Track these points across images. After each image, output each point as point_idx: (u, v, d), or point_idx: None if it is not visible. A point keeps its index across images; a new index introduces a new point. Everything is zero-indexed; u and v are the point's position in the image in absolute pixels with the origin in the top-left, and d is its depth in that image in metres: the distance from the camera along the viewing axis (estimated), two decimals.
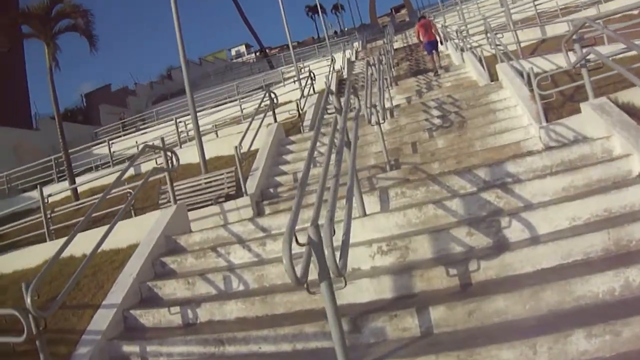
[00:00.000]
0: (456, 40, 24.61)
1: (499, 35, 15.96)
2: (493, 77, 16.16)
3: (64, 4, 24.19)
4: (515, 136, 10.92)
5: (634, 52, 8.27)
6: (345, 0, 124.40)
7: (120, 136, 32.74)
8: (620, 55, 8.40)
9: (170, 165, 10.37)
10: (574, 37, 8.15)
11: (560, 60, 13.78)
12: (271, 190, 12.49)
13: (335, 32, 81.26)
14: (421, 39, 22.28)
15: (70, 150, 24.46)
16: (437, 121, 12.73)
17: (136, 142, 25.29)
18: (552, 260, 5.22)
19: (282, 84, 31.71)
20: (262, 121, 15.22)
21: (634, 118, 6.74)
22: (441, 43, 22.98)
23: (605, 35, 12.64)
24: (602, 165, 6.18)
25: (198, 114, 28.92)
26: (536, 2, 25.31)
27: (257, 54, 71.43)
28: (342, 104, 6.72)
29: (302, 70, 33.80)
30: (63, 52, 25.60)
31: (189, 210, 12.41)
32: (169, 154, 10.44)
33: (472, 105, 13.18)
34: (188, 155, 16.68)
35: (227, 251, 7.84)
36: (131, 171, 18.76)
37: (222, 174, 13.39)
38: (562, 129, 9.95)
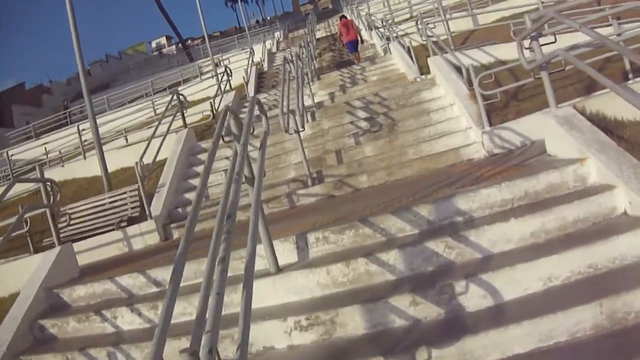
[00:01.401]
0: (381, 29, 23.18)
1: (430, 25, 14.51)
2: (422, 69, 14.82)
3: None
4: (453, 141, 9.63)
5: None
6: None
7: (31, 137, 30.13)
8: (579, 51, 7.02)
9: (51, 200, 8.51)
10: (533, 33, 6.72)
11: (500, 53, 12.50)
12: (180, 210, 10.92)
13: (257, 22, 79.39)
14: (343, 38, 21.99)
15: None
16: (363, 124, 11.27)
17: (45, 149, 22.87)
18: (527, 343, 3.74)
19: (198, 79, 29.71)
20: (169, 126, 13.51)
21: (610, 135, 5.31)
22: (361, 42, 22.59)
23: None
24: (579, 201, 4.65)
25: (112, 115, 27.33)
26: None
27: (178, 46, 68.90)
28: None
29: (221, 63, 32.00)
30: None
31: (89, 236, 10.78)
32: (48, 185, 8.55)
33: (403, 105, 11.76)
34: (94, 167, 14.62)
35: (113, 314, 6.13)
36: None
37: (125, 193, 11.66)
38: (509, 134, 8.69)
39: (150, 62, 61.70)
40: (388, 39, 20.84)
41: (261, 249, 5.15)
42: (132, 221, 10.84)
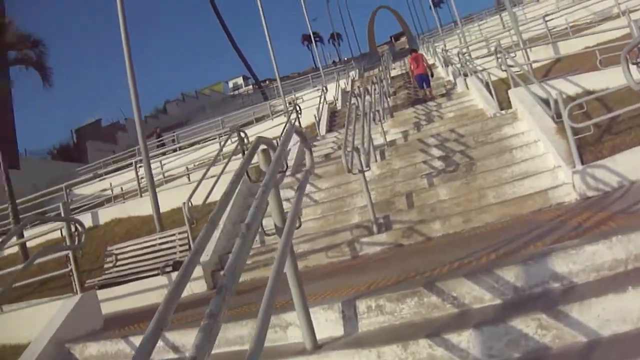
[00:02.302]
0: (458, 65, 22.07)
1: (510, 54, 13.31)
2: (502, 104, 13.65)
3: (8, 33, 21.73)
4: (540, 183, 8.44)
5: None
6: (343, 30, 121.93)
7: (104, 173, 29.80)
8: None
9: (75, 241, 7.69)
10: None
11: (587, 82, 11.21)
12: None
13: (334, 62, 79.17)
14: (414, 73, 21.56)
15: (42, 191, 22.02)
16: (438, 164, 10.18)
17: (110, 184, 22.49)
18: None
19: (270, 117, 29.07)
20: (226, 164, 12.72)
21: None
22: (431, 76, 21.79)
23: None
24: None
25: (179, 152, 26.95)
26: (546, 18, 22.79)
27: (254, 86, 69.11)
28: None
29: (293, 102, 31.43)
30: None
31: (133, 279, 10.01)
32: (72, 225, 7.74)
33: (482, 141, 10.60)
34: (149, 205, 13.96)
35: None
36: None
37: (174, 235, 10.86)
38: (604, 174, 7.51)
39: (227, 102, 62.01)
40: (465, 74, 19.75)
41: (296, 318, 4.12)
42: (179, 266, 9.97)
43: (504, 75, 17.49)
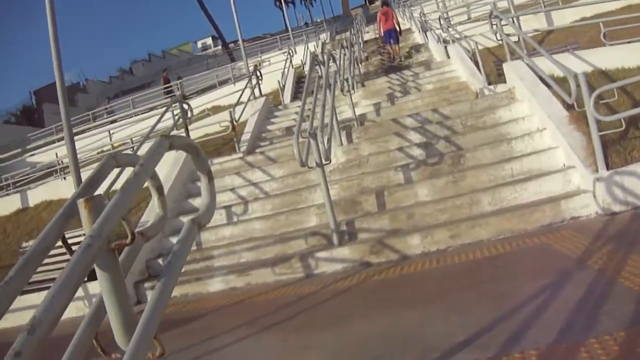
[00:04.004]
0: (438, 31, 20.01)
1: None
2: (490, 77, 11.71)
3: None
4: (548, 187, 6.60)
5: None
6: None
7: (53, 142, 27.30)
8: None
9: None
10: None
11: (598, 59, 9.28)
12: (161, 261, 8.01)
13: (306, 24, 76.15)
14: (380, 27, 20.91)
15: None
16: (417, 152, 8.23)
17: (56, 155, 20.13)
18: None
19: (231, 82, 26.73)
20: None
21: None
22: (400, 34, 21.20)
23: None
24: None
25: (130, 120, 24.65)
26: None
27: (222, 47, 66.38)
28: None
29: (260, 65, 29.14)
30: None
31: (40, 288, 8.06)
32: None
33: (471, 126, 8.66)
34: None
35: None
36: None
37: None
38: (637, 183, 5.64)
39: (193, 63, 59.33)
40: (445, 40, 17.75)
41: None
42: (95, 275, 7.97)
43: (491, 44, 15.59)
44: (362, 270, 6.18)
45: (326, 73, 9.58)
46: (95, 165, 15.05)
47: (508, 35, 10.37)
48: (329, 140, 7.32)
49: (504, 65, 9.93)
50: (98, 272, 2.46)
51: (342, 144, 9.20)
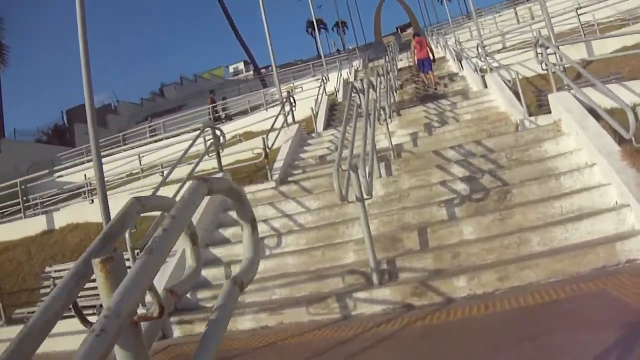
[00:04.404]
0: (475, 59, 19.67)
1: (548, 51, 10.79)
2: (530, 109, 11.35)
3: None
4: (601, 227, 6.21)
5: None
6: (349, 18, 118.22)
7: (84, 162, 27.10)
8: None
9: None
10: None
11: None
12: (189, 297, 7.71)
13: (338, 51, 76.30)
14: (415, 57, 21.27)
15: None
16: (460, 187, 7.88)
17: (85, 176, 20.02)
18: None
19: (263, 108, 26.54)
20: (193, 168, 10.42)
21: None
22: (434, 61, 21.50)
23: None
24: None
25: (162, 142, 24.51)
26: (579, 12, 20.46)
27: (254, 72, 66.54)
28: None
29: (293, 91, 28.95)
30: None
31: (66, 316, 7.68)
32: None
33: (517, 160, 8.29)
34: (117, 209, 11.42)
35: None
36: None
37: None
38: None
39: (225, 87, 59.49)
40: (482, 70, 17.41)
41: None
42: None
43: (530, 74, 15.25)
44: (404, 313, 5.80)
45: (367, 102, 9.29)
46: (122, 190, 14.94)
47: (554, 65, 10.01)
48: (371, 174, 6.99)
49: (550, 97, 9.55)
50: (116, 349, 2.04)
51: (380, 177, 8.89)
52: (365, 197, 6.42)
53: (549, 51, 9.93)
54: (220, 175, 10.53)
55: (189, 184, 2.54)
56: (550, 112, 9.79)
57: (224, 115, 30.32)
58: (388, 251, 6.93)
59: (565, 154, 7.84)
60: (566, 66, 11.45)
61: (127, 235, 7.27)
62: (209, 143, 11.69)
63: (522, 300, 5.22)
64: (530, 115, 10.99)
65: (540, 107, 12.31)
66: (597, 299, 4.78)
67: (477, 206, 7.30)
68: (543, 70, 10.44)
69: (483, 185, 7.71)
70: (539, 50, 9.78)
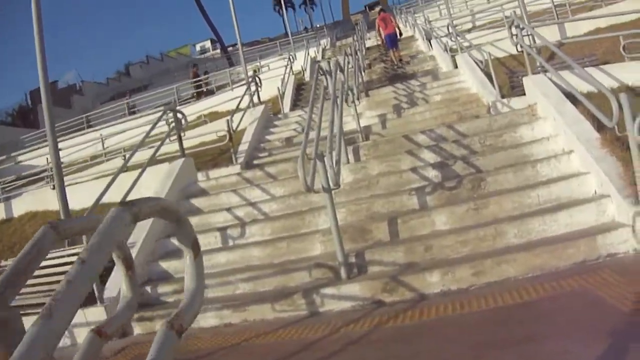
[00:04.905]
0: (444, 39, 19.31)
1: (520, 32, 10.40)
2: (502, 90, 11.06)
3: None
4: (580, 218, 5.92)
5: None
6: None
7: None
8: None
9: None
10: None
11: (625, 76, 8.67)
12: (148, 288, 7.34)
13: (306, 29, 75.58)
14: (381, 32, 21.04)
15: None
16: (432, 173, 7.53)
17: (47, 160, 19.23)
18: None
19: (229, 87, 25.88)
20: (155, 151, 9.93)
21: None
22: (400, 35, 21.33)
23: None
24: None
25: (120, 125, 23.91)
26: None
27: (221, 50, 65.51)
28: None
29: (259, 70, 28.40)
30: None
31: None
32: None
33: (491, 145, 7.95)
34: (73, 196, 10.79)
35: None
36: None
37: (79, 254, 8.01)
38: None
39: (191, 66, 58.59)
40: (452, 50, 17.09)
41: None
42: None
43: (501, 54, 14.99)
44: (374, 310, 5.45)
45: (333, 84, 8.85)
46: (84, 175, 14.37)
47: (529, 45, 9.66)
48: (338, 162, 6.59)
49: (525, 79, 9.23)
50: None
51: (348, 162, 8.50)
52: (332, 187, 6.04)
53: (525, 32, 9.56)
54: (181, 160, 10.02)
55: (111, 210, 1.90)
56: (523, 94, 9.53)
57: (205, 90, 29.51)
58: (356, 242, 6.58)
59: (541, 139, 7.53)
60: (539, 48, 11.17)
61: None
62: (172, 125, 11.20)
63: (499, 298, 4.91)
64: (503, 97, 10.71)
65: (512, 88, 12.02)
66: (579, 299, 4.47)
67: (450, 194, 6.96)
68: (518, 51, 10.10)
69: (456, 172, 7.37)
70: (514, 31, 9.40)
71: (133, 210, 1.99)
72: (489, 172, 7.09)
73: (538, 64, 9.36)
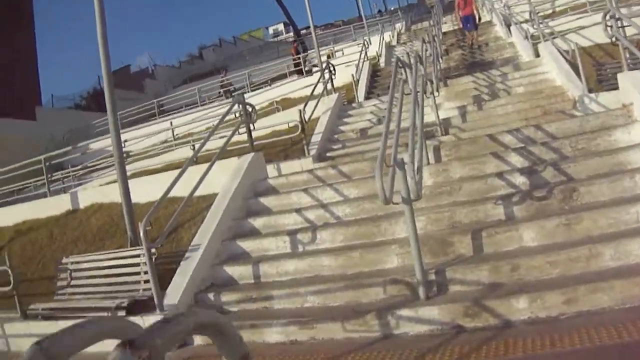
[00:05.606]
0: (525, 25, 18.52)
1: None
2: (589, 83, 10.41)
3: None
4: None
5: None
6: None
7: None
8: None
9: None
10: None
11: None
12: (211, 295, 7.06)
13: (380, 12, 74.63)
14: (459, 13, 20.72)
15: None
16: (519, 180, 6.96)
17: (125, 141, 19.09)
18: None
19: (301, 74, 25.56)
20: (225, 144, 9.59)
21: None
22: (479, 20, 20.99)
23: None
24: None
25: (194, 112, 23.83)
26: None
27: (294, 34, 65.10)
28: None
29: (333, 55, 27.95)
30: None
31: (77, 316, 7.37)
32: None
33: (582, 150, 7.29)
34: (140, 187, 10.62)
35: None
36: None
37: (139, 256, 7.82)
38: None
39: (264, 50, 58.26)
40: (533, 37, 16.37)
41: None
42: (135, 307, 7.11)
43: (586, 43, 14.22)
44: (454, 338, 4.98)
45: (414, 80, 8.29)
46: (154, 164, 14.22)
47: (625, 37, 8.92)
48: (419, 170, 6.09)
49: (620, 76, 8.50)
50: None
51: (428, 163, 8.01)
52: (412, 197, 5.58)
53: (624, 23, 8.78)
54: (250, 156, 9.68)
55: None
56: (612, 89, 8.88)
57: (307, 68, 28.71)
58: (437, 256, 6.11)
59: (639, 145, 6.86)
60: (637, 41, 10.38)
61: (141, 234, 6.59)
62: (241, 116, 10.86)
63: (594, 334, 4.35)
64: (590, 91, 10.05)
65: (599, 82, 11.30)
66: None
67: (539, 205, 6.40)
68: (613, 43, 9.30)
69: (545, 180, 6.79)
70: (609, 23, 8.67)
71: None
72: (582, 182, 6.48)
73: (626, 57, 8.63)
